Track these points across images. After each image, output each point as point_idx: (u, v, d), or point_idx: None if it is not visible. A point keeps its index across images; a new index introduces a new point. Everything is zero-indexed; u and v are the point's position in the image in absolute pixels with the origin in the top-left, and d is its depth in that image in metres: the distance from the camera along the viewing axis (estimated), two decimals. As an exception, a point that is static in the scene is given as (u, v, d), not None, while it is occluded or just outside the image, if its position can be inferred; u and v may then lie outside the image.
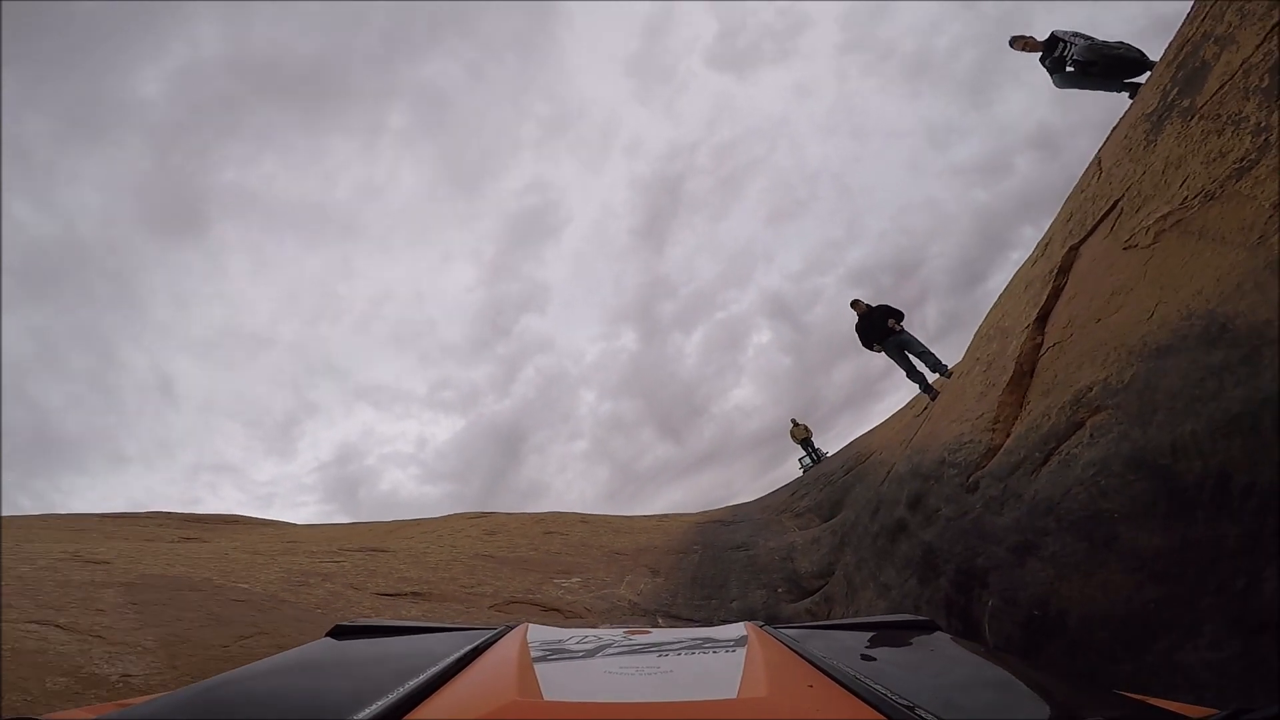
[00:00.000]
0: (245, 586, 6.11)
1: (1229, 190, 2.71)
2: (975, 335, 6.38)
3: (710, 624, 7.07)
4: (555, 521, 12.17)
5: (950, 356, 8.16)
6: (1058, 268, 4.29)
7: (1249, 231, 2.48)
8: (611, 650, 1.34)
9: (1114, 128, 4.65)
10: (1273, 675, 2.07)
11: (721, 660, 1.22)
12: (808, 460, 16.68)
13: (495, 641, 1.43)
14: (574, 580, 8.61)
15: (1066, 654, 2.99)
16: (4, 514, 10.81)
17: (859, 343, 8.52)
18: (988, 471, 4.15)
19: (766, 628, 1.68)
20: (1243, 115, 2.78)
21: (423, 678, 1.03)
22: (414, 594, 7.04)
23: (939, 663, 1.43)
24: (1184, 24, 3.83)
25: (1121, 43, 5.57)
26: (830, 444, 18.45)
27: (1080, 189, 4.73)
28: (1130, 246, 3.37)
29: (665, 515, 14.26)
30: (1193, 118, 3.20)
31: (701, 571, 9.32)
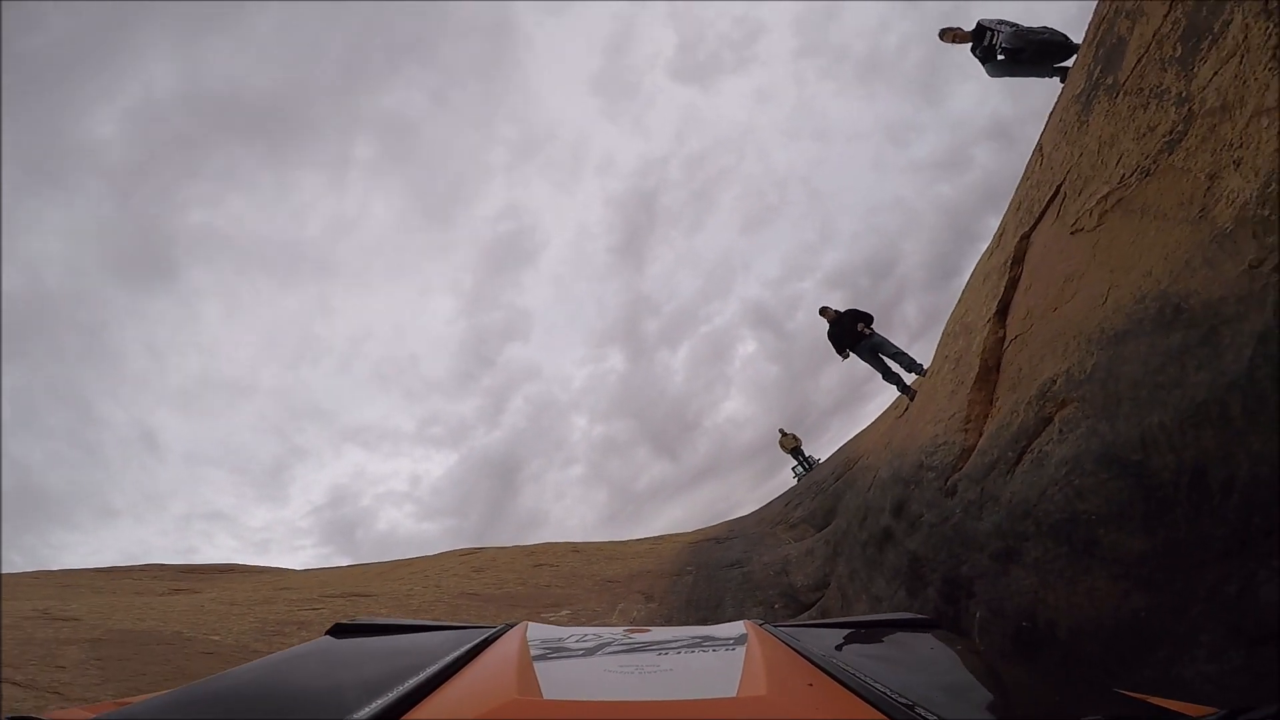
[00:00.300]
0: (216, 639, 5.97)
1: (1163, 165, 2.60)
2: (943, 333, 6.28)
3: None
4: (545, 553, 11.99)
5: (932, 351, 8.05)
6: (1012, 258, 4.18)
7: (1189, 205, 2.35)
8: (611, 649, 1.36)
9: (1050, 113, 4.59)
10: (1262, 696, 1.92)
11: (721, 659, 1.23)
12: (800, 469, 16.57)
13: (495, 640, 1.43)
14: (563, 613, 8.40)
15: (1059, 667, 2.83)
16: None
17: (834, 352, 8.42)
18: (964, 474, 4.01)
19: (766, 626, 1.68)
20: (1163, 87, 2.69)
21: (422, 676, 1.04)
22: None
23: (939, 661, 1.43)
24: (1099, 2, 3.78)
25: (1046, 28, 5.61)
26: (825, 449, 18.34)
27: (1026, 176, 4.65)
28: (1077, 230, 3.26)
29: (659, 537, 14.08)
30: (1118, 94, 3.11)
31: (696, 593, 9.15)
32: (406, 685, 0.97)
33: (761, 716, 0.88)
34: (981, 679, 1.32)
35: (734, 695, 0.94)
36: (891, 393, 8.70)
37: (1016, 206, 4.60)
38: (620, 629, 1.67)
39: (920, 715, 0.83)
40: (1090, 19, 3.96)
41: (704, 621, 8.20)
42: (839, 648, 1.40)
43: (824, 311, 8.51)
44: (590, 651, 1.33)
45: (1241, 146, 2.12)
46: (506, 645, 1.35)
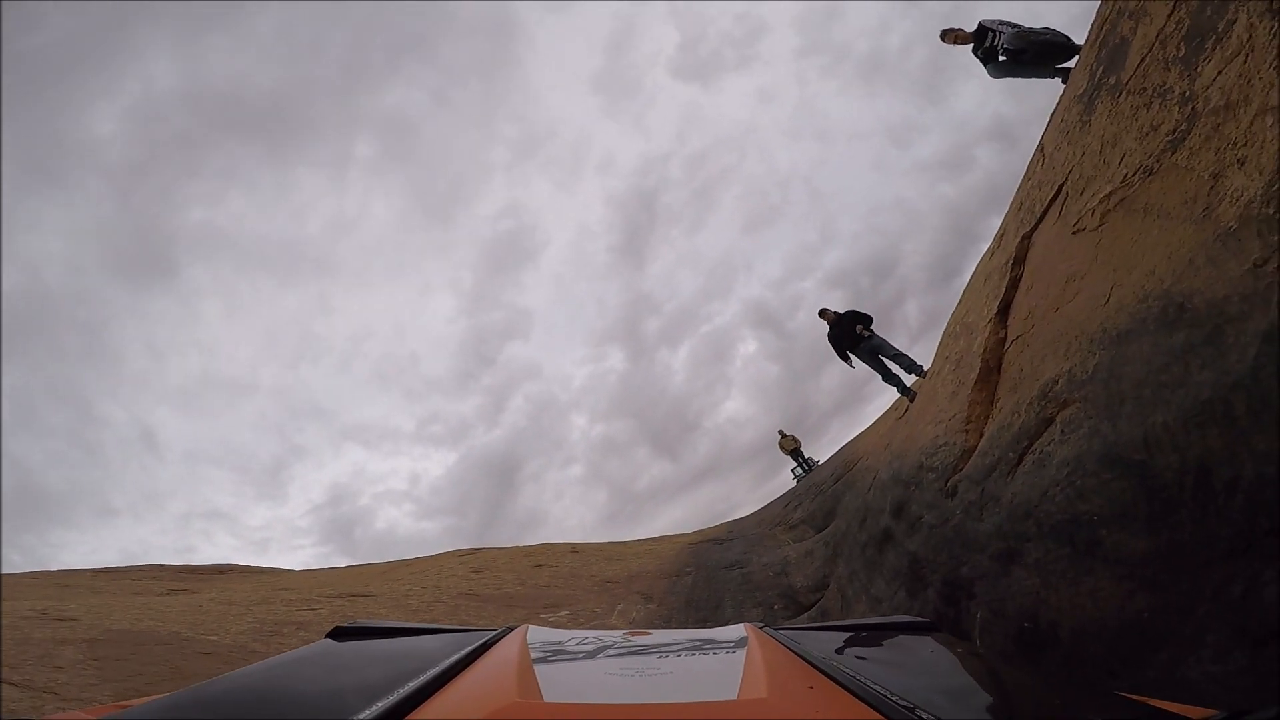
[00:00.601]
0: (214, 638, 5.93)
1: (1166, 164, 2.59)
2: (943, 333, 6.26)
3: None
4: (545, 553, 11.96)
5: (934, 351, 8.05)
6: (1013, 258, 4.17)
7: (1193, 204, 2.34)
8: (611, 652, 1.36)
9: (1052, 114, 4.60)
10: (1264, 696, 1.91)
11: (721, 661, 1.23)
12: (800, 470, 16.55)
13: (495, 643, 1.44)
14: (562, 614, 8.38)
15: (1062, 668, 2.81)
16: (-1, 571, 10.66)
17: (834, 353, 8.40)
18: (965, 475, 3.99)
19: (766, 629, 1.67)
20: (1167, 86, 2.68)
21: (423, 679, 1.03)
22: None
23: (939, 664, 1.44)
24: (1102, 2, 3.78)
25: (1048, 28, 5.60)
26: (825, 450, 18.34)
27: (1028, 177, 4.64)
28: (1079, 230, 3.25)
29: (659, 538, 14.06)
30: (1120, 94, 3.10)
31: (695, 594, 9.13)
32: (407, 688, 0.97)
33: (762, 719, 0.88)
34: (982, 682, 1.32)
35: (734, 698, 0.94)
36: (891, 394, 8.70)
37: (1018, 207, 4.59)
38: (620, 632, 1.67)
39: (920, 718, 0.83)
40: (1093, 19, 3.95)
41: (703, 622, 8.19)
42: (839, 650, 1.40)
43: (823, 313, 8.49)
44: (590, 654, 1.33)
45: (1246, 145, 2.11)
46: (507, 648, 1.35)
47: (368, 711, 0.85)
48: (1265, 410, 1.91)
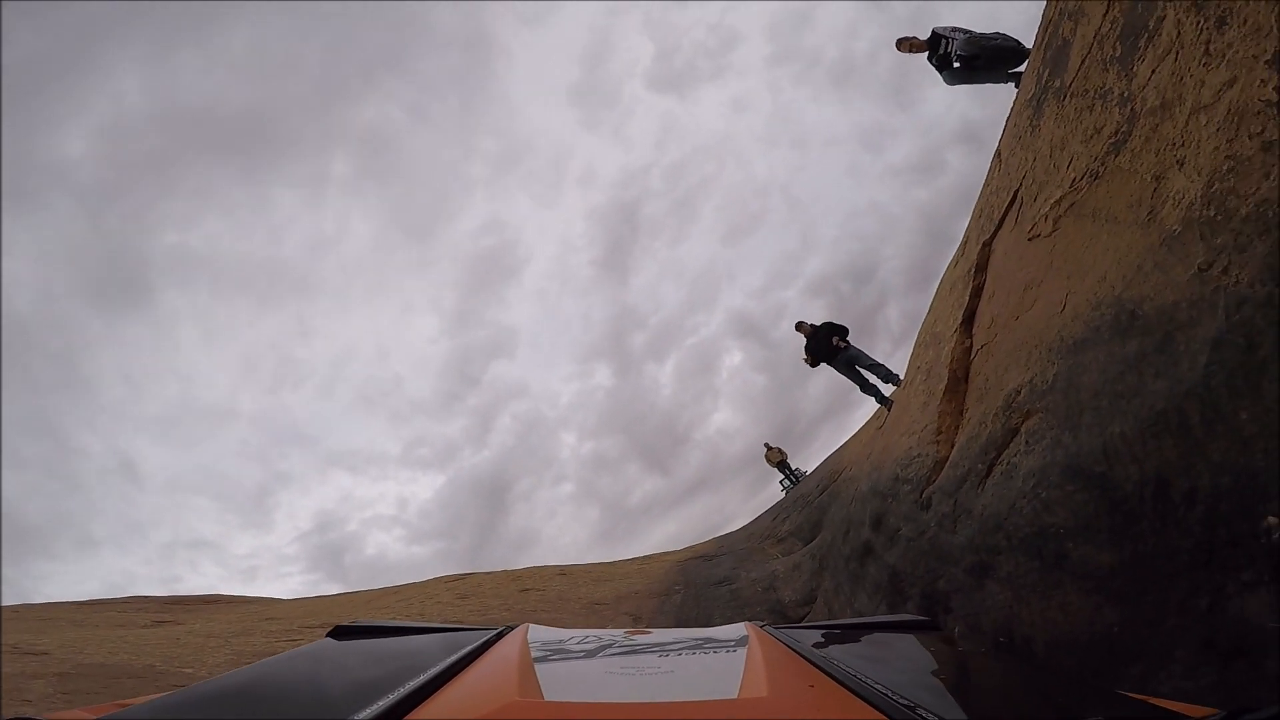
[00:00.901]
0: (189, 671, 5.90)
1: (1110, 166, 2.56)
2: (915, 343, 6.25)
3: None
4: (532, 577, 11.84)
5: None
6: (975, 265, 4.16)
7: (1138, 208, 2.30)
8: (612, 650, 1.36)
9: (1006, 118, 4.59)
10: (1252, 703, 1.84)
11: (722, 660, 1.24)
12: (787, 482, 16.50)
13: (496, 642, 1.44)
14: (548, 640, 8.25)
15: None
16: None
17: (808, 365, 8.38)
18: (938, 486, 3.95)
19: (767, 628, 1.67)
20: (1106, 88, 2.66)
21: (423, 678, 1.03)
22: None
23: (940, 662, 1.44)
24: (1046, 4, 3.78)
25: (998, 33, 5.66)
26: (815, 457, 18.30)
27: (987, 183, 4.64)
28: (1034, 236, 3.22)
29: (647, 557, 13.97)
30: (1065, 97, 3.09)
31: (684, 613, 9.07)
32: (407, 687, 0.97)
33: (762, 718, 0.89)
34: (982, 680, 1.33)
35: (735, 696, 0.94)
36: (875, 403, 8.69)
37: (979, 214, 4.59)
38: (621, 631, 1.66)
39: (921, 716, 0.83)
40: (1040, 22, 3.96)
41: (692, 641, 8.10)
42: (840, 649, 1.40)
43: (800, 327, 8.49)
44: (591, 653, 1.34)
45: (1184, 145, 2.08)
46: (507, 647, 1.36)
47: (368, 710, 0.85)
48: (1218, 420, 1.86)
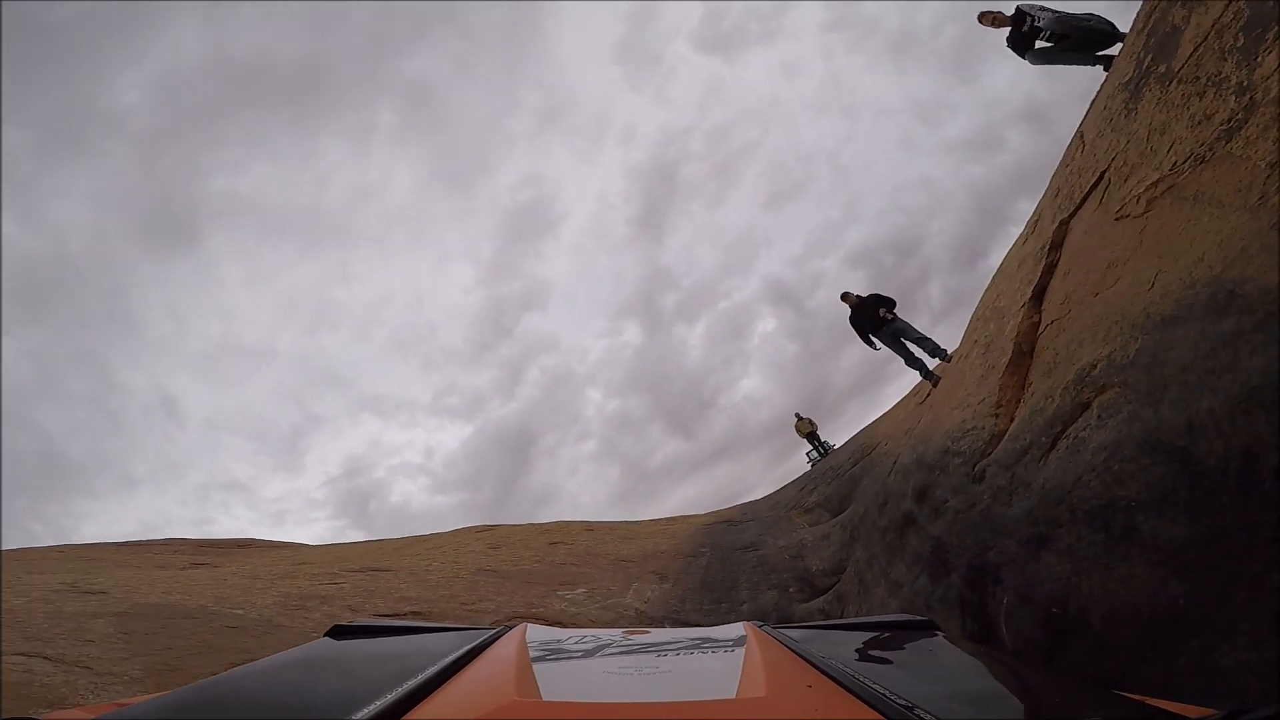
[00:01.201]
0: (240, 612, 6.03)
1: (1220, 152, 2.57)
2: (972, 317, 6.23)
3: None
4: (560, 531, 12.05)
5: (956, 333, 8.02)
6: (1049, 243, 4.15)
7: (1247, 193, 2.33)
8: (610, 650, 1.36)
9: (1092, 101, 4.54)
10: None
11: (720, 660, 1.23)
12: (815, 454, 16.54)
13: (494, 642, 1.43)
14: (579, 591, 8.46)
15: (1091, 655, 2.82)
16: (20, 544, 10.82)
17: (856, 337, 8.37)
18: (993, 459, 3.99)
19: (765, 628, 1.68)
20: (1222, 76, 2.65)
21: (421, 678, 1.03)
22: (413, 613, 6.90)
23: (938, 663, 1.43)
24: (1152, -11, 3.72)
25: (1091, 15, 5.50)
26: (843, 432, 18.31)
27: (1065, 164, 4.59)
28: (1122, 217, 3.23)
29: (673, 518, 14.13)
30: (1171, 82, 3.07)
31: (710, 575, 9.19)
32: (406, 686, 0.97)
33: (761, 718, 0.89)
34: (981, 680, 1.32)
35: (733, 696, 0.95)
36: (911, 377, 8.67)
37: (1054, 193, 4.56)
38: (619, 631, 1.67)
39: (919, 717, 0.83)
40: (1140, 7, 3.91)
41: (719, 603, 8.26)
42: (838, 649, 1.38)
43: (845, 297, 8.45)
44: (589, 653, 1.33)
45: (1306, 134, 2.09)
46: (505, 647, 1.36)
47: (366, 710, 0.85)
48: (1317, 398, 1.91)
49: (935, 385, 7.17)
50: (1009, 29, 5.90)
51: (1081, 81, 5.71)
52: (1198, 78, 2.83)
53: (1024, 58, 5.89)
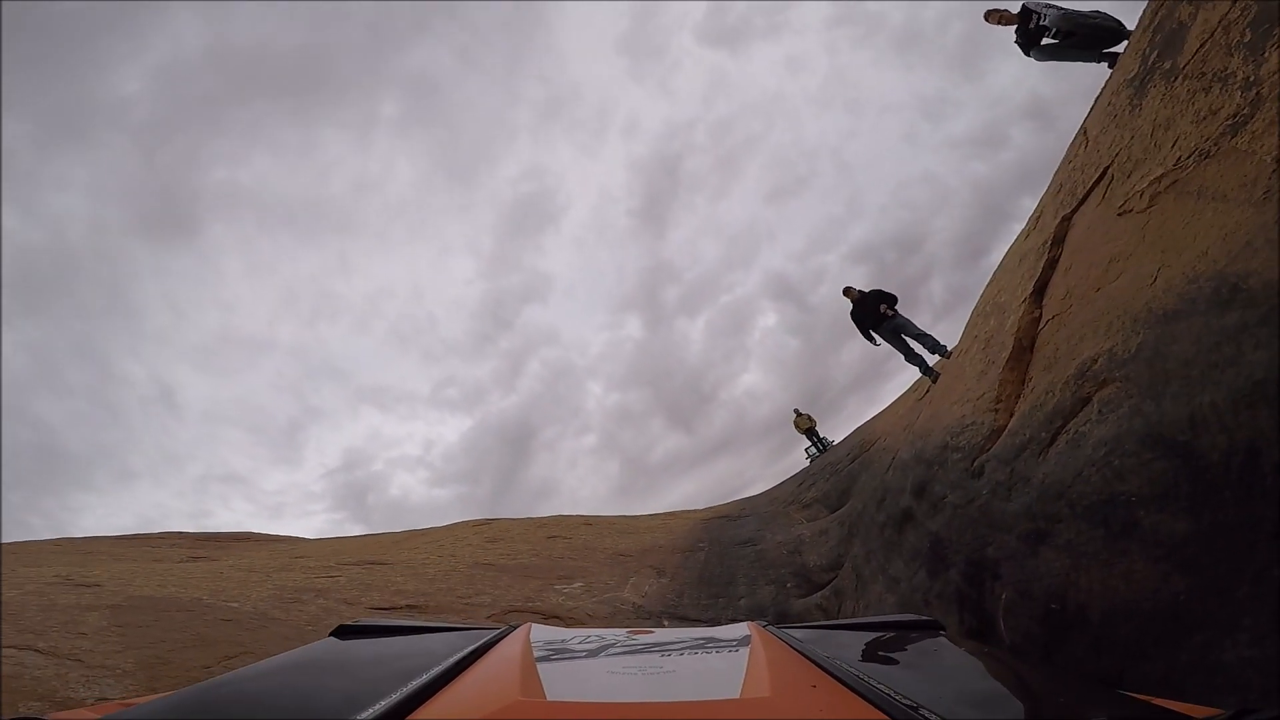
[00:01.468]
0: (235, 605, 6.05)
1: (1225, 147, 2.56)
2: (972, 313, 6.24)
3: (717, 623, 6.94)
4: (558, 525, 12.09)
5: (958, 330, 8.02)
6: (1051, 239, 4.15)
7: (1252, 188, 2.32)
8: (614, 650, 1.37)
9: (1096, 97, 4.54)
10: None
11: (724, 660, 1.24)
12: (814, 450, 16.58)
13: (498, 642, 1.45)
14: (576, 585, 8.48)
15: (1091, 651, 2.81)
16: (17, 538, 10.86)
17: (857, 332, 8.39)
18: (992, 454, 3.99)
19: (770, 628, 1.68)
20: (1229, 71, 2.64)
21: (425, 678, 1.04)
22: (409, 607, 6.94)
23: (942, 663, 1.43)
24: (1158, -14, 3.72)
25: (1097, 12, 5.51)
26: (842, 427, 18.34)
27: (1068, 160, 4.59)
28: (1125, 212, 3.23)
29: (671, 513, 14.17)
30: (1176, 78, 3.07)
31: (708, 570, 9.22)
32: (410, 687, 0.97)
33: (765, 718, 0.89)
34: (984, 680, 1.32)
35: (737, 696, 0.95)
36: (911, 373, 8.69)
37: (1057, 189, 4.56)
38: (623, 630, 1.69)
39: (924, 716, 0.83)
40: (1146, 4, 3.91)
41: (716, 597, 8.28)
42: (842, 649, 1.39)
43: (847, 292, 8.48)
44: (593, 653, 1.34)
45: (1312, 130, 2.08)
46: (510, 647, 1.37)
47: (370, 711, 0.85)
48: (1321, 392, 1.90)
49: (935, 381, 7.18)
50: (1015, 27, 5.90)
51: (1086, 79, 5.74)
52: (1203, 73, 2.83)
53: (1029, 55, 5.89)
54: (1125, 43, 4.94)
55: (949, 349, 7.38)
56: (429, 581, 7.99)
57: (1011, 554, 3.49)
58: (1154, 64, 3.36)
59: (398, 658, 1.40)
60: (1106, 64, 5.32)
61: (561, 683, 1.08)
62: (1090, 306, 3.31)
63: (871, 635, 1.75)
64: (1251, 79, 2.48)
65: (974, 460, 4.23)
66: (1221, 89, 2.67)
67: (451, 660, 1.18)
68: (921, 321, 8.04)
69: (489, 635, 1.50)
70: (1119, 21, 5.35)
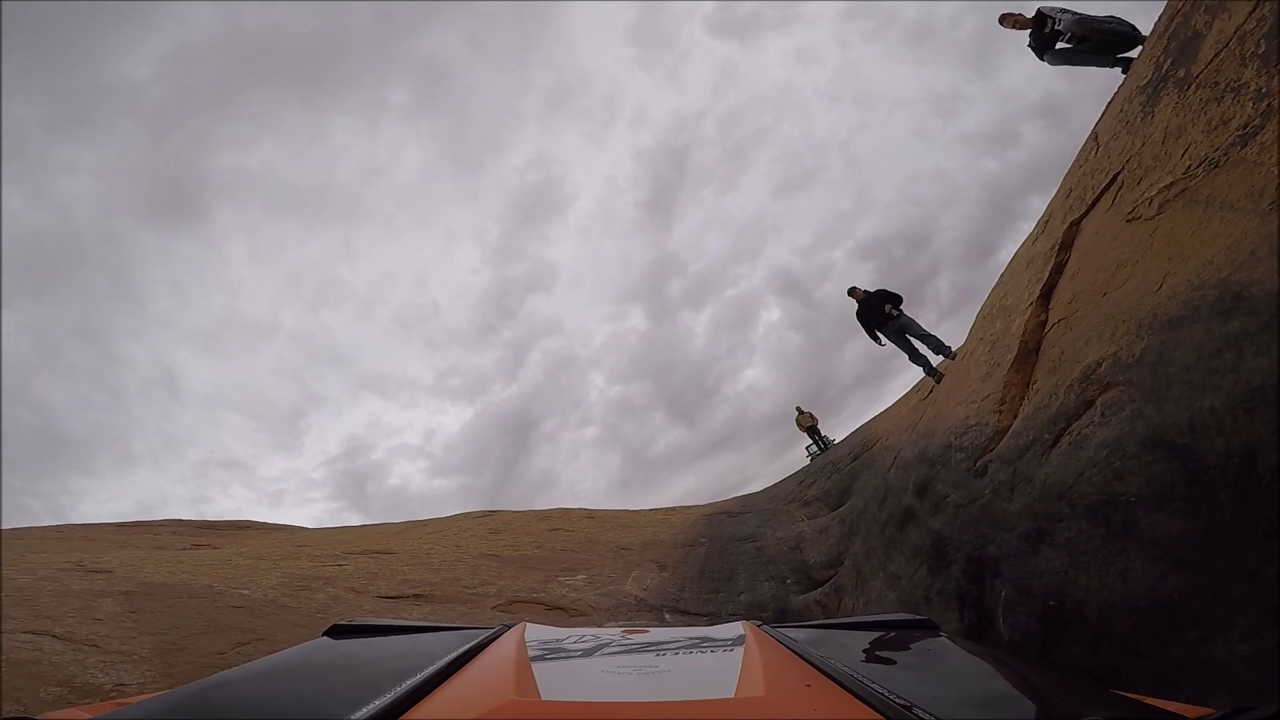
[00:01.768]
0: (245, 592, 6.11)
1: (1234, 157, 2.61)
2: (978, 315, 6.29)
3: (718, 618, 6.98)
4: (561, 518, 12.15)
5: (963, 329, 8.05)
6: (1059, 243, 4.20)
7: (1259, 198, 2.37)
8: (609, 650, 1.36)
9: (1108, 103, 4.57)
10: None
11: (719, 659, 1.23)
12: (815, 448, 16.60)
13: (493, 641, 1.43)
14: (579, 578, 8.55)
15: (1087, 647, 2.87)
16: (18, 523, 10.93)
17: (862, 330, 8.43)
18: (996, 455, 4.05)
19: (764, 627, 1.69)
20: (1242, 82, 2.69)
21: (420, 677, 1.03)
22: (416, 596, 7.01)
23: (937, 662, 1.43)
24: (1171, -5, 3.75)
25: (1112, 17, 5.51)
26: (844, 424, 18.38)
27: (1078, 164, 4.63)
28: (1134, 219, 3.27)
29: (672, 508, 14.23)
30: (1189, 87, 3.10)
31: (709, 565, 9.28)
32: (405, 686, 0.98)
33: (759, 717, 0.89)
34: (979, 680, 1.32)
35: (732, 696, 0.95)
36: (915, 373, 8.72)
37: (1066, 193, 4.59)
38: (618, 630, 1.69)
39: (918, 716, 0.83)
40: (1162, 11, 3.93)
41: (717, 592, 8.34)
42: (837, 648, 1.39)
43: (852, 292, 8.51)
44: (588, 652, 1.34)
45: (1319, 143, 2.13)
46: (504, 646, 1.36)
47: (365, 710, 0.85)
48: (1318, 398, 1.96)
49: (938, 382, 7.22)
50: (1030, 31, 5.92)
51: (1099, 79, 5.73)
52: (1216, 83, 2.86)
53: (1043, 59, 5.91)
54: (1139, 48, 4.96)
55: (953, 350, 7.43)
56: (435, 571, 8.06)
57: (1012, 552, 3.55)
58: (1168, 72, 3.39)
59: (392, 657, 1.41)
60: (1120, 69, 5.34)
61: (556, 682, 1.08)
62: (1096, 311, 3.36)
63: (866, 635, 1.75)
64: (1264, 90, 2.52)
65: (977, 460, 4.28)
66: (1234, 99, 2.71)
67: (446, 660, 1.18)
68: (927, 320, 8.08)
69: (484, 635, 1.50)
70: (1133, 27, 5.36)
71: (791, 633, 1.58)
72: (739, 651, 1.27)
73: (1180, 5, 3.48)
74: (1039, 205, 5.49)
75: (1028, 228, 5.75)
